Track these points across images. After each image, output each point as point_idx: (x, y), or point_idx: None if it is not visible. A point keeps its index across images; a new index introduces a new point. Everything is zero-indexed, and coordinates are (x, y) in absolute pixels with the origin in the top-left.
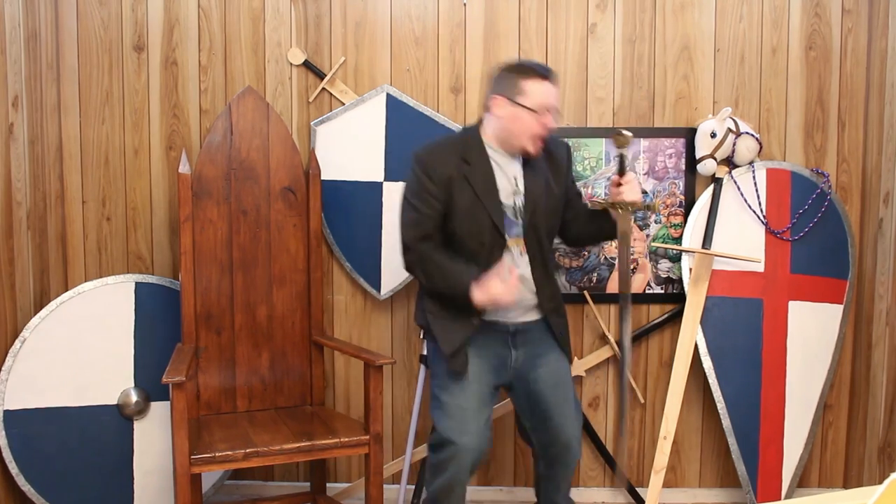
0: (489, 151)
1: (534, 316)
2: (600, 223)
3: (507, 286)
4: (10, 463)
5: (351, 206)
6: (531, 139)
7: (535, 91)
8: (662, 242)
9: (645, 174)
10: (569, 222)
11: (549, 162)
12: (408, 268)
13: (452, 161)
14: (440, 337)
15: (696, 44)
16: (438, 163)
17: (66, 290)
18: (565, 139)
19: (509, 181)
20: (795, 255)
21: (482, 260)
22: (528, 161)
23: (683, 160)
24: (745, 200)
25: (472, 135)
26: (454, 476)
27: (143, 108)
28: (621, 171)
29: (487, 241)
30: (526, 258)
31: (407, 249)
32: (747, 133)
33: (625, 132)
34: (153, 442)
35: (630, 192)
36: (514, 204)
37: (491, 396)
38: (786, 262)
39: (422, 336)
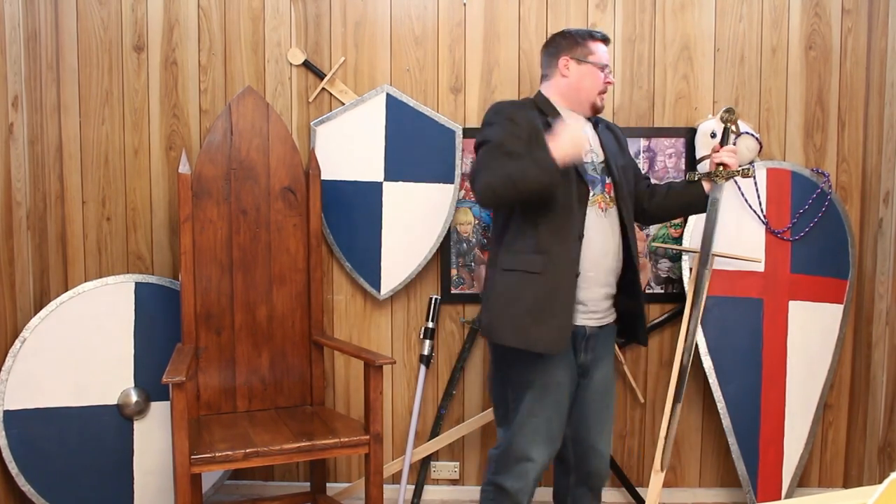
0: (561, 111)
1: (608, 318)
2: (691, 193)
3: (573, 132)
4: (10, 463)
5: (351, 206)
6: (600, 95)
7: (599, 50)
8: (662, 242)
9: (645, 174)
10: (643, 197)
11: (612, 133)
12: (486, 187)
13: (532, 112)
14: (535, 336)
15: (695, 43)
16: (520, 110)
17: (66, 290)
18: None
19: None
20: (796, 254)
21: (566, 213)
22: (598, 125)
23: (683, 160)
24: (746, 200)
25: (539, 98)
26: (524, 492)
27: (143, 108)
28: (723, 142)
29: (572, 190)
30: (613, 215)
31: (484, 168)
32: (747, 133)
33: (730, 109)
34: (153, 442)
35: (730, 157)
36: (592, 160)
37: (569, 404)
38: (786, 261)
39: (422, 336)
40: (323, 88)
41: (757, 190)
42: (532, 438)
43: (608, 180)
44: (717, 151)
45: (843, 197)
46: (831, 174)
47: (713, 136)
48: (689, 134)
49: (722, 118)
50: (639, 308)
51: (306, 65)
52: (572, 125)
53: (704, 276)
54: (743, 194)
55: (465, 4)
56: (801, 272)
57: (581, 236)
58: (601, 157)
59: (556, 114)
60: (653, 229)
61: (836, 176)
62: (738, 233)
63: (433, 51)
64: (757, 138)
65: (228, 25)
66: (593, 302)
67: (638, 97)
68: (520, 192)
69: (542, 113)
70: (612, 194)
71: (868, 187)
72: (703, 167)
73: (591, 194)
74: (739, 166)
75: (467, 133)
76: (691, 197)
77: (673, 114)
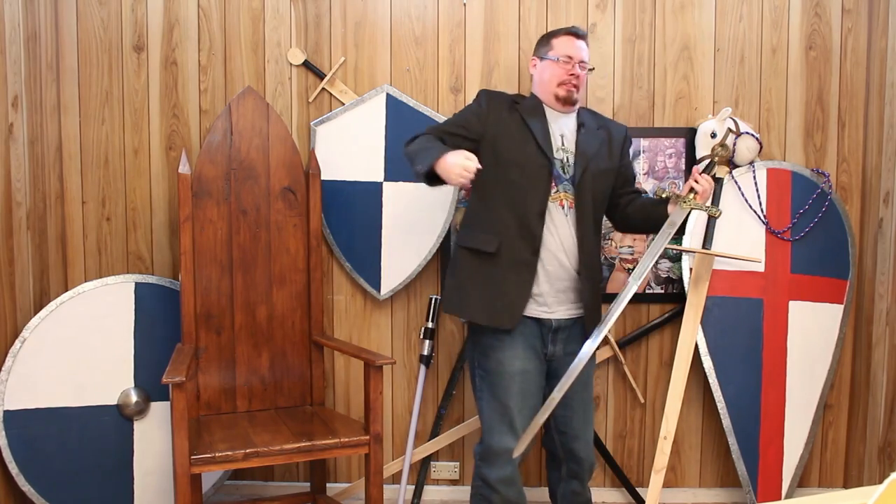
0: (546, 110)
1: (574, 312)
2: (657, 212)
3: (465, 160)
4: (10, 463)
5: (351, 206)
6: (560, 86)
7: (559, 44)
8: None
9: (645, 174)
10: (620, 204)
11: (606, 135)
12: (403, 149)
13: (505, 101)
14: (481, 310)
15: (695, 44)
16: (492, 103)
17: (66, 290)
18: None
19: (555, 137)
20: (796, 255)
21: (524, 192)
22: (583, 125)
23: (683, 160)
24: (746, 200)
25: (529, 98)
26: (507, 482)
27: (142, 108)
28: (706, 171)
29: (534, 170)
30: (573, 216)
31: (413, 139)
32: (747, 133)
33: (725, 146)
34: (153, 442)
35: (703, 187)
36: (562, 158)
37: (540, 395)
38: (786, 262)
39: (422, 336)
40: (323, 88)
41: (757, 190)
42: (499, 428)
43: (577, 178)
44: (699, 176)
45: (844, 197)
46: (831, 174)
47: (713, 136)
48: (689, 134)
49: (713, 150)
50: (592, 315)
51: (306, 65)
52: (463, 155)
53: (630, 288)
54: (743, 194)
55: (465, 4)
56: (802, 272)
57: (542, 213)
58: (572, 159)
59: (533, 104)
60: None
61: (837, 176)
62: (738, 233)
63: (433, 51)
64: (757, 138)
65: (228, 25)
66: (550, 295)
67: (638, 97)
68: (410, 165)
69: (514, 102)
70: (577, 194)
71: (868, 187)
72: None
73: (553, 189)
74: (718, 159)
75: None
76: (654, 214)
77: (673, 114)
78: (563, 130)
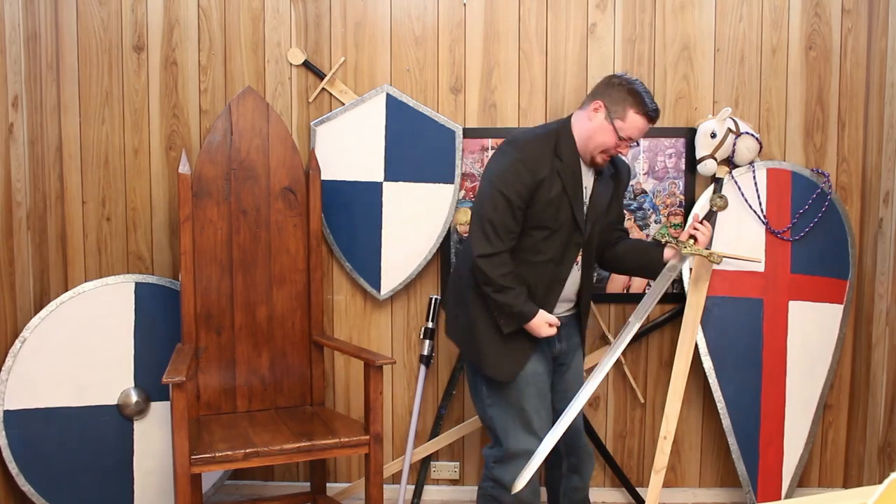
0: (573, 152)
1: (571, 311)
2: (653, 256)
3: (551, 329)
4: (10, 463)
5: (351, 206)
6: (601, 155)
7: (634, 125)
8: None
9: (645, 174)
10: (610, 240)
11: (615, 181)
12: (484, 267)
13: (547, 157)
14: (495, 364)
15: (695, 44)
16: (537, 158)
17: (66, 290)
18: None
19: (583, 189)
20: (796, 255)
21: (557, 255)
22: (600, 174)
23: (683, 160)
24: (746, 200)
25: (564, 130)
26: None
27: (142, 108)
28: (706, 219)
29: (565, 236)
30: (581, 264)
31: (492, 255)
32: (747, 133)
33: (723, 197)
34: (153, 442)
35: (703, 234)
36: (584, 211)
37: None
38: (786, 262)
39: (422, 336)
40: (323, 88)
41: (757, 190)
42: (515, 432)
43: (587, 230)
44: (699, 224)
45: (843, 197)
46: (831, 174)
47: (713, 136)
48: (689, 134)
49: (711, 200)
50: (584, 308)
51: (306, 65)
52: (547, 320)
53: (632, 327)
54: (743, 194)
55: (465, 4)
56: (802, 272)
57: (564, 280)
58: (585, 210)
59: (572, 158)
60: (653, 229)
61: (836, 176)
62: (739, 233)
63: (433, 51)
64: (757, 138)
65: (228, 25)
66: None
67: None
68: (496, 299)
69: (556, 156)
70: (585, 245)
71: (868, 187)
72: (704, 167)
73: (584, 236)
74: (716, 209)
75: (467, 133)
76: (648, 261)
77: (673, 114)
78: (587, 182)
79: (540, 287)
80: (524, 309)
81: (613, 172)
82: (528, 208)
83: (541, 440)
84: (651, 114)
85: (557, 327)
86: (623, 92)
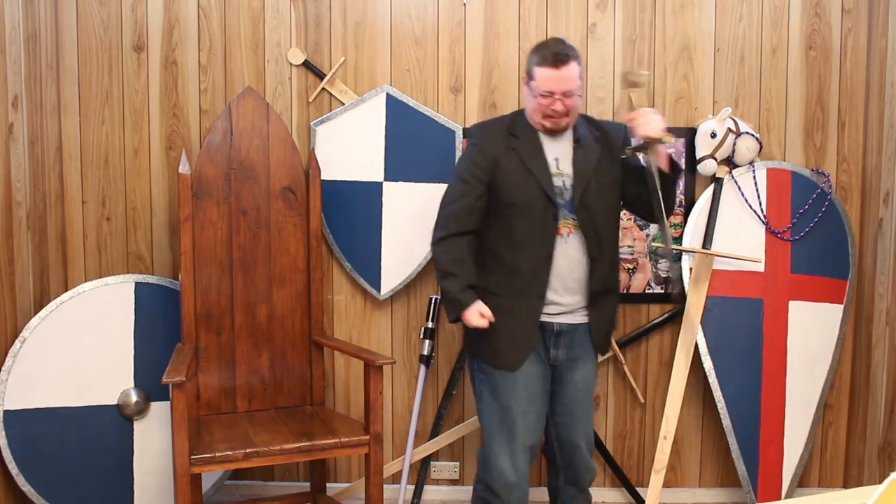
0: (538, 135)
1: (579, 318)
2: (641, 180)
3: (482, 320)
4: (10, 463)
5: (351, 206)
6: (542, 119)
7: (542, 77)
8: (662, 242)
9: None
10: (632, 197)
11: (603, 143)
12: (434, 252)
13: (500, 137)
14: (493, 353)
15: (695, 44)
16: (490, 134)
17: (66, 290)
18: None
19: (550, 163)
20: (796, 254)
21: (535, 232)
22: (579, 141)
23: (683, 160)
24: (746, 200)
25: (520, 112)
26: (512, 487)
27: (142, 108)
28: (638, 149)
29: (538, 210)
30: (578, 238)
31: (442, 239)
32: (747, 133)
33: (639, 73)
34: (153, 442)
35: (643, 125)
36: (558, 185)
37: (546, 398)
38: (786, 261)
39: (422, 336)
40: (323, 88)
41: (757, 190)
42: (497, 446)
43: (577, 200)
44: (628, 121)
45: (843, 197)
46: (831, 174)
47: (713, 136)
48: (689, 134)
49: (625, 83)
50: (605, 321)
51: (306, 65)
52: (479, 310)
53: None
54: (743, 194)
55: (465, 4)
56: (802, 272)
57: (550, 255)
58: (569, 182)
59: (528, 133)
60: (653, 229)
61: (836, 176)
62: (738, 233)
63: (433, 51)
64: (757, 138)
65: (228, 25)
66: (557, 305)
67: (638, 97)
68: (440, 281)
69: (511, 134)
70: (575, 219)
71: (868, 187)
72: (704, 166)
73: (558, 209)
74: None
75: (467, 133)
76: (641, 186)
77: (673, 114)
78: (557, 153)
79: (526, 267)
80: (461, 297)
81: (600, 136)
82: (490, 189)
83: (524, 441)
84: (550, 58)
85: (531, 333)
86: (531, 54)
